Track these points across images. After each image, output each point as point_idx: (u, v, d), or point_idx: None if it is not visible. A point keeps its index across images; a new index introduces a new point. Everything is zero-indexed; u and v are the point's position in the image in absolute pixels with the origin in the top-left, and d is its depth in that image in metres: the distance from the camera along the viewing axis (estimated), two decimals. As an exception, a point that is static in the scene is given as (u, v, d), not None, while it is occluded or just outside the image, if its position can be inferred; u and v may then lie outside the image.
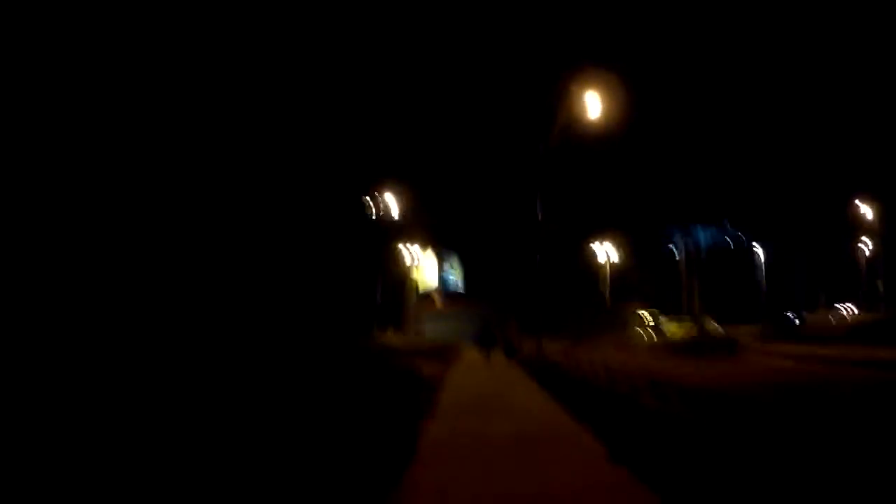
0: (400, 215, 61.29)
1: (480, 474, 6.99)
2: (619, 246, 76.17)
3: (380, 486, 6.30)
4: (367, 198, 59.03)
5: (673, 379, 14.66)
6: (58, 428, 7.14)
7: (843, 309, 73.96)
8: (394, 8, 69.52)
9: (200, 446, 6.93)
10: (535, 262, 32.30)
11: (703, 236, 76.27)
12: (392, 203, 59.43)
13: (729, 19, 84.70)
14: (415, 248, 77.30)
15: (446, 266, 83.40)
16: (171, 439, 7.07)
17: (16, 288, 14.21)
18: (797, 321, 57.44)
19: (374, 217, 59.37)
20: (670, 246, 79.76)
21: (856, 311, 77.66)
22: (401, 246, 74.97)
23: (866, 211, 68.08)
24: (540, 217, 30.02)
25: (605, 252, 76.72)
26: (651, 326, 71.97)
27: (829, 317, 65.10)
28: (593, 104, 27.57)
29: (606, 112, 29.72)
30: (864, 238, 70.54)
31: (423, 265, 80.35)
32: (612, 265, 76.82)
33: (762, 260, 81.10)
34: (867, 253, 72.61)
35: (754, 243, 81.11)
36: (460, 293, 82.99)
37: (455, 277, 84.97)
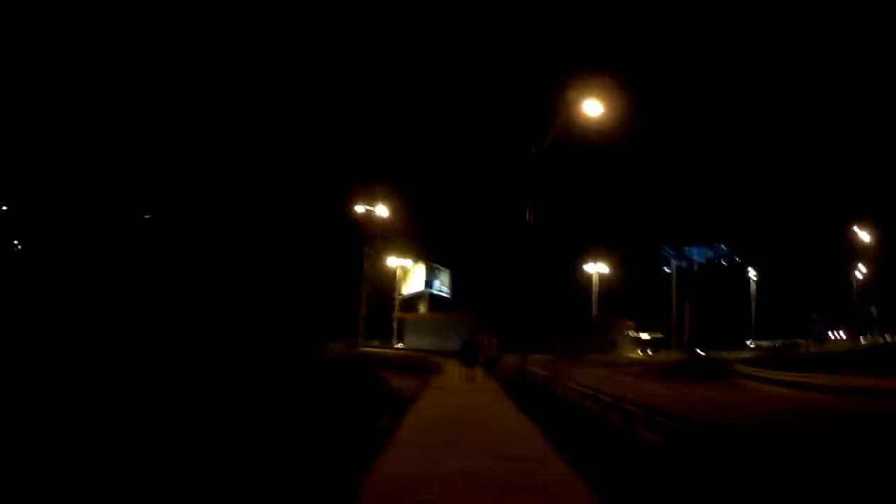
0: (389, 224, 59.54)
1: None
2: (610, 262, 74.61)
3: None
4: (355, 206, 57.13)
5: (672, 408, 12.87)
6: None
7: (833, 335, 72.65)
8: (383, 8, 68.07)
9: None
10: (522, 273, 30.40)
11: (696, 256, 74.73)
12: (382, 212, 57.65)
13: (730, 36, 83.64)
14: (404, 259, 75.74)
15: (434, 277, 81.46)
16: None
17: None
18: (794, 347, 55.74)
19: (360, 225, 57.43)
20: (664, 266, 78.25)
21: (844, 337, 76.48)
22: (390, 256, 73.38)
23: (863, 236, 66.87)
24: (531, 224, 28.20)
25: (596, 268, 75.15)
26: (644, 347, 70.42)
27: (828, 342, 63.79)
28: (592, 110, 26.05)
29: (604, 121, 28.40)
30: (858, 264, 69.36)
31: (412, 275, 78.65)
32: (602, 281, 75.21)
33: (755, 282, 79.78)
34: (860, 278, 71.41)
35: (749, 268, 79.81)
36: (447, 303, 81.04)
37: (443, 288, 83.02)
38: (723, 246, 78.14)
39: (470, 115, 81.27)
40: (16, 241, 35.25)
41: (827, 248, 70.89)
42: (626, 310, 72.21)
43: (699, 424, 9.01)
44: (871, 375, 24.84)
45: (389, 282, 75.51)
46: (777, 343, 59.43)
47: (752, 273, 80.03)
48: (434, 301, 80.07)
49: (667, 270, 78.08)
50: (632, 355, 64.53)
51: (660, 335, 72.17)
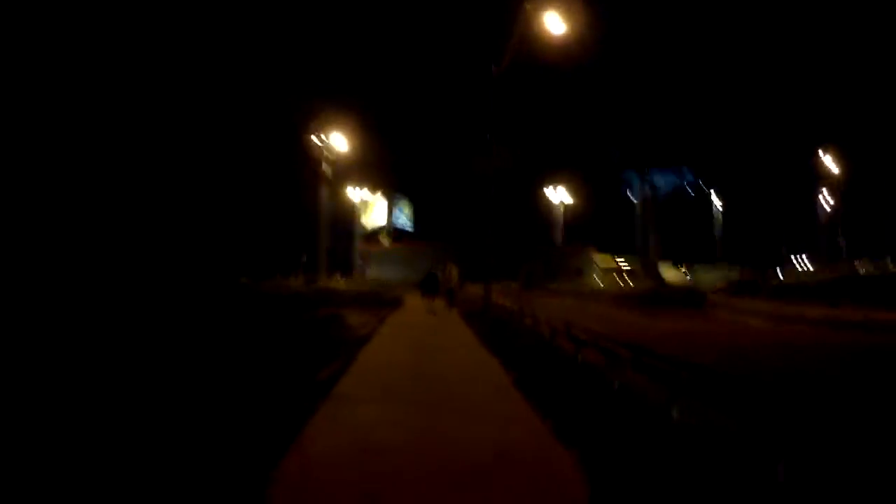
0: (349, 155, 56.93)
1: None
2: (573, 189, 73.20)
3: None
4: (311, 134, 54.22)
5: (662, 347, 11.25)
6: None
7: (798, 263, 72.47)
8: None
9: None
10: (485, 199, 28.58)
11: (661, 181, 73.47)
12: (340, 142, 54.88)
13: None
14: (364, 191, 73.47)
15: (396, 207, 79.59)
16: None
17: None
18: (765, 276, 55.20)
19: (315, 155, 54.64)
20: (627, 190, 76.97)
21: (809, 266, 76.52)
22: (350, 188, 71.05)
23: (829, 164, 66.18)
24: (492, 147, 26.28)
25: (559, 194, 73.74)
26: (611, 274, 69.48)
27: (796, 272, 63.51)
28: (553, 25, 24.05)
29: (566, 36, 26.96)
30: (825, 191, 68.82)
31: (373, 207, 76.75)
32: (566, 209, 73.93)
33: (719, 208, 79.20)
34: (827, 207, 70.98)
35: (712, 191, 78.98)
36: (409, 234, 79.43)
37: (405, 218, 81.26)
38: (687, 171, 76.88)
39: (427, 34, 77.56)
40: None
41: (794, 175, 70.13)
42: (590, 236, 71.21)
43: (706, 369, 7.30)
44: (851, 306, 23.90)
45: (351, 215, 73.63)
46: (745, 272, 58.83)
47: (715, 199, 79.33)
48: (396, 232, 78.47)
49: (630, 197, 76.93)
50: (598, 282, 63.75)
51: (625, 262, 71.46)
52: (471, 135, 40.34)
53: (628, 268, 70.70)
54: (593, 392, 8.45)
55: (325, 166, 54.29)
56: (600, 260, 71.23)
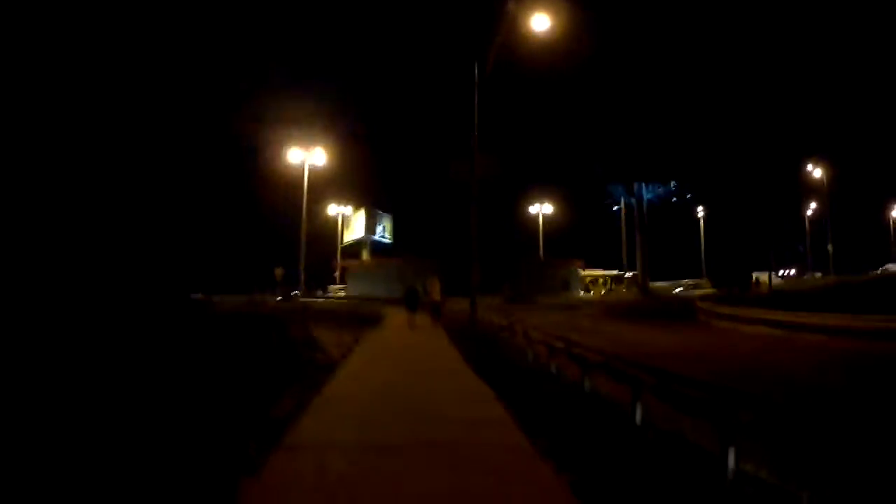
0: (328, 169, 55.28)
1: None
2: (556, 202, 72.00)
3: None
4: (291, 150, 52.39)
5: (667, 362, 9.66)
6: None
7: (783, 272, 71.57)
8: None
9: None
10: (467, 210, 27.11)
11: (646, 194, 72.25)
12: (320, 156, 53.17)
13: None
14: (344, 206, 71.87)
15: (376, 223, 78.05)
16: None
17: None
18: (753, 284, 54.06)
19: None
20: (613, 203, 75.69)
21: (794, 274, 75.76)
22: (330, 203, 69.41)
23: (816, 173, 65.57)
24: (473, 152, 24.94)
25: (542, 207, 72.50)
26: (597, 286, 68.07)
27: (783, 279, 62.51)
28: (538, 22, 22.92)
29: (549, 44, 26.10)
30: (811, 201, 68.21)
31: (353, 222, 75.25)
32: (550, 221, 72.67)
33: (705, 219, 78.30)
34: (811, 215, 70.27)
35: (699, 205, 78.06)
36: (390, 249, 77.82)
37: (385, 234, 79.68)
38: (673, 183, 75.75)
39: (408, 43, 76.41)
40: None
41: (780, 186, 69.34)
42: (575, 250, 69.96)
43: (762, 400, 5.71)
44: (847, 314, 22.57)
45: (331, 230, 72.05)
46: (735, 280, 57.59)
47: (700, 210, 78.33)
48: (376, 247, 76.88)
49: (615, 209, 75.70)
50: (584, 296, 62.33)
51: (615, 273, 70.15)
52: (452, 146, 38.85)
53: (616, 278, 69.45)
54: (617, 438, 6.80)
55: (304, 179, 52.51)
56: (586, 273, 69.93)
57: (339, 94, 68.53)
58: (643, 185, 69.72)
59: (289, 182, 53.57)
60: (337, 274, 70.02)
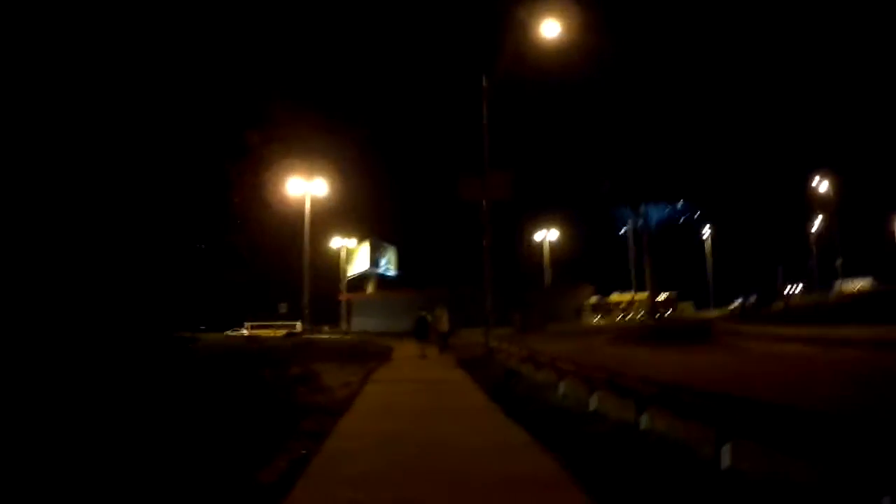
0: (331, 201, 54.16)
1: None
2: (565, 225, 70.69)
3: None
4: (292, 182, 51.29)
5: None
6: None
7: (791, 289, 69.91)
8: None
9: None
10: (476, 238, 26.01)
11: (654, 215, 70.94)
12: (322, 187, 52.07)
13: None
14: (348, 239, 70.60)
15: (380, 255, 76.75)
16: None
17: None
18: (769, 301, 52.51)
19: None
20: (621, 226, 74.47)
21: (803, 291, 73.86)
22: (333, 236, 68.11)
23: (824, 188, 64.34)
24: (484, 168, 23.84)
25: (550, 232, 71.16)
26: (610, 312, 66.23)
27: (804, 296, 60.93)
28: (549, 31, 22.15)
29: (561, 62, 25.75)
30: (819, 217, 66.85)
31: (357, 255, 73.87)
32: (558, 248, 71.25)
33: (713, 238, 76.93)
34: (818, 231, 68.87)
35: (707, 224, 76.75)
36: (395, 282, 76.41)
37: (390, 266, 78.34)
38: (680, 202, 74.48)
39: (413, 59, 75.75)
40: None
41: (787, 202, 68.15)
42: (584, 275, 68.41)
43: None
44: (872, 325, 21.30)
45: (335, 263, 70.66)
46: (751, 298, 55.95)
47: (706, 230, 76.77)
48: (381, 280, 75.40)
49: (622, 232, 74.37)
50: (596, 322, 60.68)
51: (629, 298, 68.44)
52: (458, 168, 37.60)
53: (631, 302, 67.70)
54: (699, 488, 5.30)
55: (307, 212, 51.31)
56: (597, 298, 68.24)
57: (343, 119, 67.45)
58: (649, 205, 68.55)
59: (289, 214, 52.34)
60: (343, 308, 68.53)
